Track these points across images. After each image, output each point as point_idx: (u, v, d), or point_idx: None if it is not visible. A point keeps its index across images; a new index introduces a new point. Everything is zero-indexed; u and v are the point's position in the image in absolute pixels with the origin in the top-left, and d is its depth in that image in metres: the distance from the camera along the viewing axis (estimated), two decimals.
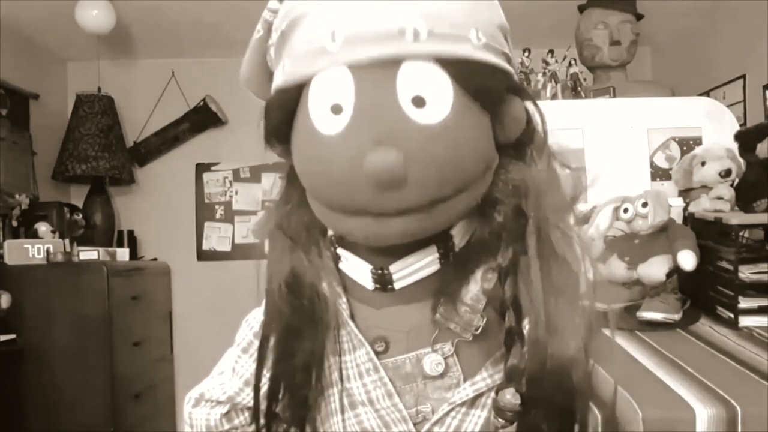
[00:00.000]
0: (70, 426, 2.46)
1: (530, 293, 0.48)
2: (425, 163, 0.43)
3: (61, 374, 2.49)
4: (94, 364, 2.52)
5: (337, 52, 0.43)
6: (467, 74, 0.45)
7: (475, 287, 0.53)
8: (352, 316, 0.56)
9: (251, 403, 0.63)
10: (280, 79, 0.48)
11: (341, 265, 0.56)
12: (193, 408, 0.68)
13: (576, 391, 0.48)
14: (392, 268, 0.53)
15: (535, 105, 0.53)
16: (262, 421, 0.57)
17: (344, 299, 0.56)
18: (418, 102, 0.43)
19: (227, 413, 0.66)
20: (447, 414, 0.54)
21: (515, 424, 0.49)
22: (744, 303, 1.24)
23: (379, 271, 0.53)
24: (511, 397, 0.49)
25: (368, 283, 0.54)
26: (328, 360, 0.56)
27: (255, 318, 0.65)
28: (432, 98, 0.44)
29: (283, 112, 0.48)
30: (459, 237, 0.53)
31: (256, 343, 0.61)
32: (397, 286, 0.53)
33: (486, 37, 0.46)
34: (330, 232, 0.57)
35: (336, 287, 0.56)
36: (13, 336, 2.41)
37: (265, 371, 0.57)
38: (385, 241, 0.48)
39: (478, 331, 0.52)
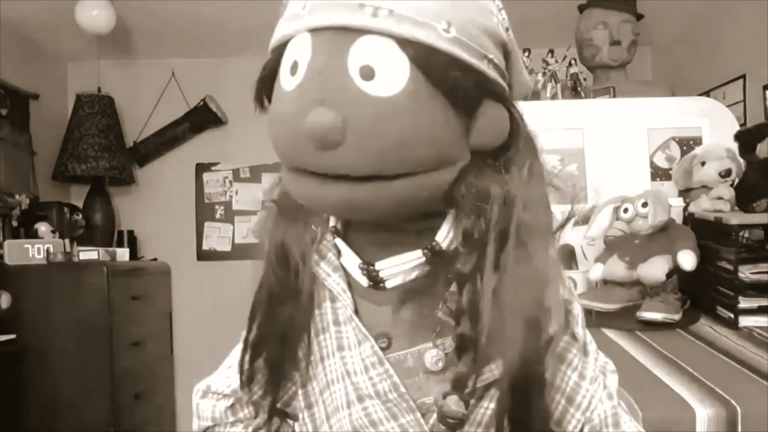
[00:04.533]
0: (70, 426, 2.46)
1: (480, 303, 0.50)
2: (365, 131, 0.45)
3: (61, 374, 2.49)
4: (94, 364, 2.52)
5: (304, 17, 0.47)
6: (431, 63, 0.46)
7: None
8: (356, 312, 0.57)
9: (254, 398, 0.65)
10: (270, 43, 0.52)
11: (342, 260, 0.58)
12: (201, 399, 0.69)
13: (519, 404, 0.51)
14: (378, 265, 0.54)
15: (520, 117, 0.53)
16: (242, 379, 0.60)
17: (349, 295, 0.57)
18: (367, 73, 0.45)
19: (232, 406, 0.68)
20: None
21: None
22: (744, 303, 1.24)
23: (366, 267, 0.55)
24: (454, 405, 0.51)
25: (362, 279, 0.56)
26: (333, 355, 0.58)
27: None
28: (383, 72, 0.45)
29: (269, 72, 0.52)
30: (448, 240, 0.54)
31: None
32: (388, 285, 0.55)
33: (460, 32, 0.47)
34: (332, 222, 0.59)
35: (341, 282, 0.57)
36: (13, 336, 2.41)
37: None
38: (324, 206, 0.51)
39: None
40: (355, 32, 0.45)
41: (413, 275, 0.54)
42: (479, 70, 0.48)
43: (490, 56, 0.49)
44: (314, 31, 0.47)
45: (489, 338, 0.49)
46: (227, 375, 0.68)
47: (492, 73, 0.49)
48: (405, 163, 0.47)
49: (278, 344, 0.58)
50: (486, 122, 0.49)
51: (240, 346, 0.66)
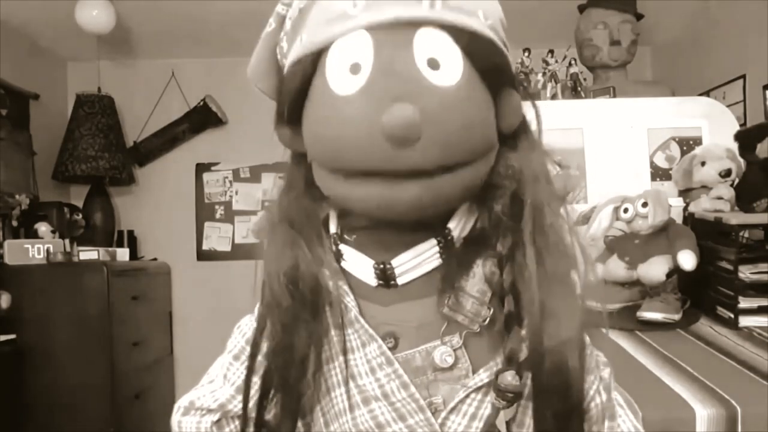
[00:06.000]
0: (71, 426, 2.46)
1: (525, 279, 0.50)
2: (439, 122, 0.45)
3: (62, 374, 2.49)
4: (94, 364, 2.52)
5: (358, 15, 0.46)
6: (475, 48, 0.48)
7: (481, 279, 0.54)
8: (361, 314, 0.56)
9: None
10: (297, 51, 0.50)
11: (344, 264, 0.57)
12: (183, 416, 0.67)
13: (571, 373, 0.51)
14: (394, 262, 0.54)
15: (531, 98, 0.55)
16: (252, 416, 0.57)
17: (351, 297, 0.56)
18: (433, 64, 0.46)
19: (218, 421, 0.66)
20: (462, 401, 0.54)
21: (516, 405, 0.52)
22: (744, 303, 1.24)
23: (381, 266, 0.54)
24: (511, 378, 0.51)
25: (371, 280, 0.55)
26: (334, 360, 0.56)
27: (247, 325, 0.65)
28: (446, 62, 0.46)
29: (298, 84, 0.50)
30: (458, 229, 0.55)
31: (248, 350, 0.61)
32: (399, 281, 0.54)
33: (491, 20, 0.50)
34: (333, 229, 0.58)
35: (342, 285, 0.56)
36: (13, 336, 2.41)
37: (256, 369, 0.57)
38: (396, 209, 0.49)
39: (485, 323, 0.53)
40: (412, 25, 0.46)
41: (426, 268, 0.54)
42: (505, 55, 0.51)
43: (505, 41, 0.52)
44: (371, 28, 0.46)
45: (541, 308, 0.50)
46: (212, 389, 0.66)
47: (510, 58, 0.52)
48: (468, 151, 0.48)
49: (297, 371, 0.55)
50: (510, 105, 0.52)
51: (224, 360, 0.65)
